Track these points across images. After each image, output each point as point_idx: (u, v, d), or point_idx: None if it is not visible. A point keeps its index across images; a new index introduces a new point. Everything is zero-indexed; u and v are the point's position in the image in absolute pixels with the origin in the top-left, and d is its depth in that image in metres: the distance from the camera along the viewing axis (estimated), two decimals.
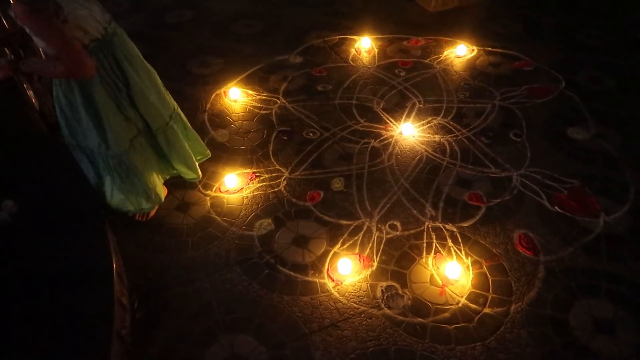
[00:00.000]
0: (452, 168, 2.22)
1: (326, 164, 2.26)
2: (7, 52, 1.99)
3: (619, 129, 2.40)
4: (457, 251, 1.87)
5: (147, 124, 1.78)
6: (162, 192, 2.00)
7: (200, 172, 2.06)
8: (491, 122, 2.46)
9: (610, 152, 2.28)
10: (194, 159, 2.02)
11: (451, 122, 2.47)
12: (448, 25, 3.25)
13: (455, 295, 1.74)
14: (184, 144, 1.94)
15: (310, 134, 2.43)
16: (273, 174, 2.22)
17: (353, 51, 3.04)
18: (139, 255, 1.90)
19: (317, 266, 1.83)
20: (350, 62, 2.94)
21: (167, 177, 2.07)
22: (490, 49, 3.00)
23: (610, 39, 3.07)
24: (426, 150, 2.31)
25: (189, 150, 1.98)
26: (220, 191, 2.14)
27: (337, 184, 2.16)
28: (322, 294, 1.75)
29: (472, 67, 2.86)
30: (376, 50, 3.04)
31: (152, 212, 2.03)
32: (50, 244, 1.67)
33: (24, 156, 1.93)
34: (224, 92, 2.70)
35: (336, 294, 1.76)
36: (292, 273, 1.82)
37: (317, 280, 1.79)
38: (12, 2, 1.35)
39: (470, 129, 2.42)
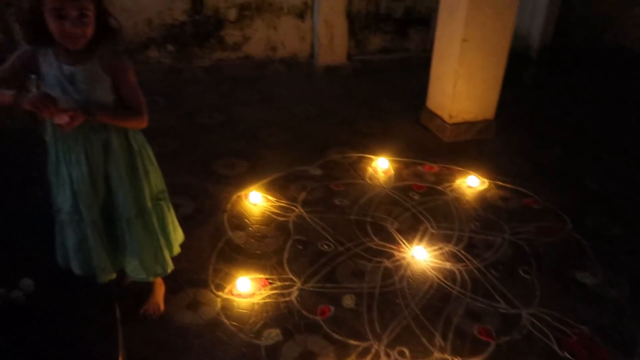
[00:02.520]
0: (463, 298, 2.24)
1: (339, 278, 2.29)
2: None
3: (629, 277, 2.45)
4: None
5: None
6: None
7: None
8: (501, 255, 2.53)
9: (619, 301, 2.31)
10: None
11: (462, 251, 2.53)
12: (461, 155, 3.45)
13: None
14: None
15: (325, 247, 2.48)
16: (285, 282, 2.23)
17: (370, 170, 3.19)
18: (143, 352, 1.86)
19: None
20: (367, 180, 3.08)
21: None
22: (500, 183, 3.15)
23: (617, 186, 3.23)
24: (437, 277, 2.35)
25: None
26: (232, 294, 2.14)
27: (348, 301, 2.17)
28: None
29: (483, 199, 2.99)
30: (392, 171, 3.19)
31: (162, 307, 2.02)
32: (58, 329, 1.66)
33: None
34: (245, 194, 2.80)
35: None
36: None
37: None
38: (111, 57, 1.52)
39: (481, 260, 2.48)
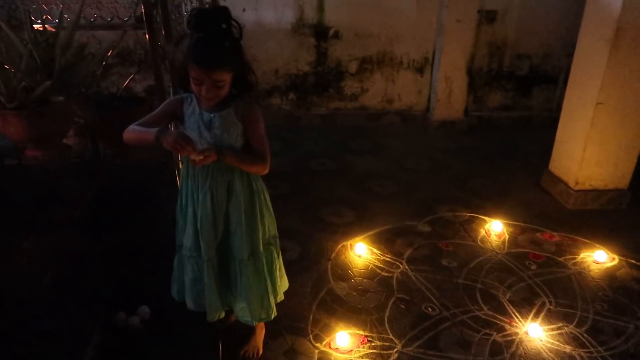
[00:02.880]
0: None
1: (442, 346, 2.15)
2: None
3: None
4: None
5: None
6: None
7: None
8: (634, 347, 2.21)
9: None
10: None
11: (585, 335, 2.26)
12: (586, 226, 3.14)
13: None
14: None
15: (429, 309, 2.36)
16: (385, 343, 2.14)
17: (483, 232, 3.02)
18: None
19: None
20: (479, 243, 2.91)
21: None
22: (634, 261, 2.80)
23: None
24: None
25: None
26: (330, 347, 2.10)
27: None
28: None
29: (612, 278, 2.67)
30: (507, 236, 2.99)
31: (261, 351, 2.03)
32: (167, 357, 1.73)
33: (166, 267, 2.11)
34: (351, 245, 2.79)
35: None
36: None
37: None
38: (245, 106, 1.64)
39: (607, 348, 2.19)
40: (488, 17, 4.61)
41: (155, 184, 2.63)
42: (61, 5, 2.74)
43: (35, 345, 1.67)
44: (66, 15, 2.73)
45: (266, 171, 1.71)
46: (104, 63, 2.88)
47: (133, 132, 1.61)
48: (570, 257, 2.83)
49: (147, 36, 2.43)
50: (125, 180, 2.61)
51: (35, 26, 2.71)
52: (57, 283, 1.93)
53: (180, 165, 1.98)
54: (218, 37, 1.51)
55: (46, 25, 2.74)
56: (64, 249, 2.06)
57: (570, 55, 3.53)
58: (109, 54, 2.86)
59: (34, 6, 2.94)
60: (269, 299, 1.86)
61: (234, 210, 1.73)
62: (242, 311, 1.87)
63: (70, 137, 2.75)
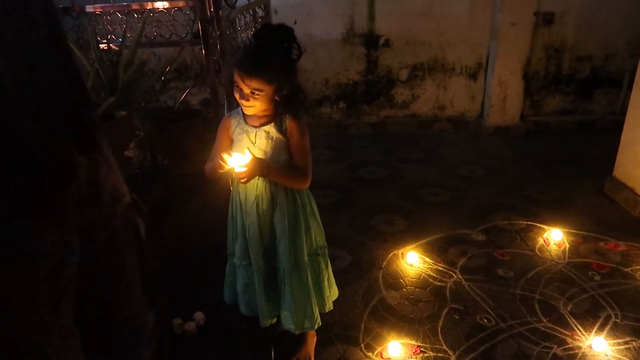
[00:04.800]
0: None
1: (498, 359, 2.08)
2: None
3: None
4: None
5: None
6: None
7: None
8: None
9: None
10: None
11: None
12: None
13: None
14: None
15: (485, 320, 2.29)
16: (439, 354, 2.10)
17: (541, 241, 2.91)
18: None
19: None
20: (537, 252, 2.80)
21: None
22: None
23: None
24: None
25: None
26: (382, 357, 2.08)
27: None
28: None
29: None
30: (567, 245, 2.86)
31: (312, 359, 2.04)
32: None
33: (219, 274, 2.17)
34: (402, 253, 2.76)
35: None
36: None
37: None
38: (291, 122, 1.66)
39: None
40: (545, 19, 4.45)
41: (211, 193, 2.72)
42: (124, 25, 2.90)
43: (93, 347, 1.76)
44: (129, 35, 2.90)
45: (306, 186, 1.74)
46: (162, 78, 3.03)
47: (206, 167, 1.74)
48: (638, 267, 2.67)
49: (203, 51, 2.53)
50: (182, 190, 2.71)
51: (101, 46, 2.89)
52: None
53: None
54: (268, 49, 1.55)
55: (111, 45, 2.91)
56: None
57: (635, 55, 3.36)
58: (167, 69, 3.01)
59: (99, 27, 3.14)
60: (312, 309, 1.86)
61: (278, 221, 1.75)
62: (285, 319, 1.89)
63: (131, 150, 2.89)
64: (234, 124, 1.71)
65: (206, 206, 2.66)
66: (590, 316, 2.32)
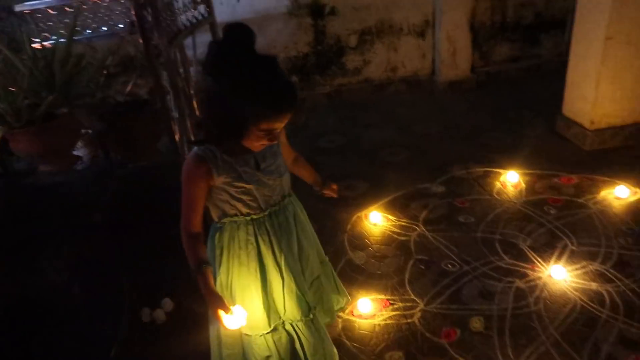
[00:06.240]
0: (613, 323, 1.96)
1: (465, 299, 2.15)
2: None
3: None
4: None
5: None
6: None
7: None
8: None
9: None
10: None
11: (611, 270, 2.22)
12: (606, 164, 3.07)
13: None
14: None
15: (449, 266, 2.36)
16: (407, 304, 2.16)
17: (498, 184, 2.99)
18: None
19: None
20: (495, 196, 2.88)
21: None
22: None
23: None
24: (580, 299, 2.09)
25: None
26: (353, 315, 2.13)
27: (476, 324, 2.02)
28: None
29: (636, 211, 2.61)
30: (523, 185, 2.95)
31: None
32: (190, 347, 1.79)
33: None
34: (365, 215, 2.80)
35: None
36: None
37: None
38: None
39: (635, 280, 2.15)
40: None
41: (167, 184, 2.69)
42: (58, 22, 2.82)
43: (66, 346, 1.76)
44: (62, 31, 2.81)
45: None
46: (105, 72, 2.95)
47: (186, 246, 1.40)
48: (590, 196, 2.77)
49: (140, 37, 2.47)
50: (138, 183, 2.68)
51: (35, 45, 2.80)
52: (85, 287, 2.02)
53: None
54: (279, 69, 1.25)
55: (44, 43, 2.82)
56: (86, 253, 2.15)
57: None
58: (108, 61, 2.93)
59: (31, 26, 3.03)
60: (333, 304, 1.85)
61: (302, 231, 1.62)
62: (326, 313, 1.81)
63: (81, 148, 2.84)
64: (215, 169, 1.33)
65: (164, 196, 2.65)
66: (548, 248, 2.41)
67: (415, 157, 3.47)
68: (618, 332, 1.92)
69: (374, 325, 2.07)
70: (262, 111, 1.23)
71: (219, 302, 1.32)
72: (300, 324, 1.56)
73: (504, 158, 3.26)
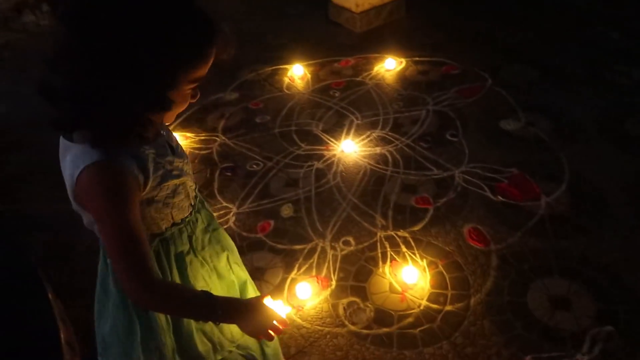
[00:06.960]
0: (397, 176, 2.26)
1: (273, 192, 2.26)
2: None
3: (546, 114, 2.52)
4: (412, 255, 1.88)
5: None
6: None
7: None
8: (427, 127, 2.53)
9: (541, 137, 2.38)
10: None
11: (390, 133, 2.52)
12: (375, 42, 3.36)
13: (416, 299, 1.74)
14: None
15: (254, 166, 2.42)
16: (221, 212, 2.19)
17: (287, 80, 3.08)
18: None
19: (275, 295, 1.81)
20: (285, 91, 2.98)
21: None
22: (417, 58, 3.10)
23: (527, 37, 3.24)
24: (369, 164, 2.35)
25: None
26: None
27: (287, 211, 2.15)
28: None
29: (403, 78, 2.95)
30: (309, 75, 3.09)
31: None
32: None
33: None
34: None
35: (299, 320, 1.72)
36: None
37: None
38: None
39: (408, 137, 2.48)
40: None
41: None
42: None
43: None
44: None
45: None
46: None
47: (171, 306, 0.94)
48: (366, 74, 3.04)
49: None
50: None
51: None
52: None
53: None
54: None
55: None
56: None
57: None
58: None
59: None
60: None
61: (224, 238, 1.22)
62: None
63: None
64: (141, 173, 0.86)
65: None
66: (337, 127, 2.62)
67: None
68: (400, 182, 2.22)
69: None
70: (196, 50, 0.83)
71: (254, 302, 0.99)
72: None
73: (289, 54, 3.34)
